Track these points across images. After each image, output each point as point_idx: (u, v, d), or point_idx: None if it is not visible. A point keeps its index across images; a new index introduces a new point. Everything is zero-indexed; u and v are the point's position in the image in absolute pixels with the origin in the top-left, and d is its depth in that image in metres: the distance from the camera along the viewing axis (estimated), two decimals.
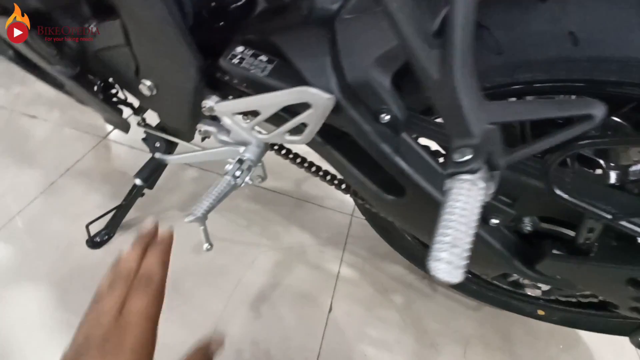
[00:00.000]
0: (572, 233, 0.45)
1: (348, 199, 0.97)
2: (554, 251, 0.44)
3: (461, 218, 0.24)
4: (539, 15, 0.35)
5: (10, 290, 0.71)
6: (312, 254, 0.84)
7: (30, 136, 1.01)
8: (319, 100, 0.38)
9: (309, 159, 0.62)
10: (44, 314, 0.69)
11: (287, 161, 0.61)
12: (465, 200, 0.25)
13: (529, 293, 0.53)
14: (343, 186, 0.61)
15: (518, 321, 0.78)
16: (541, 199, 0.40)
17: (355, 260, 0.84)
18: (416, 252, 0.75)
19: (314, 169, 0.61)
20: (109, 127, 1.06)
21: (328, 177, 0.61)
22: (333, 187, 0.62)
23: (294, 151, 0.62)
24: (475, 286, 0.77)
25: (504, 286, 0.58)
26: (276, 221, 0.89)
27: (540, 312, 0.72)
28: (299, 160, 0.61)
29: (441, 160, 0.45)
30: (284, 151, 0.61)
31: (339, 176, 0.63)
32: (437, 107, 0.28)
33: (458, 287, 0.79)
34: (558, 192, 0.37)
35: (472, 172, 0.26)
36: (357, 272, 0.82)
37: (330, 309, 0.76)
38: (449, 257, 0.22)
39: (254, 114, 0.46)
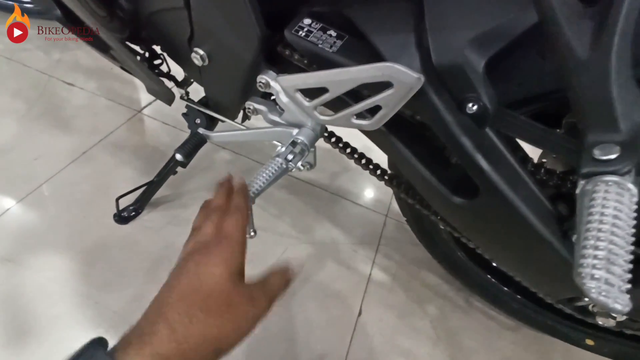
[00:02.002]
0: None
1: (383, 197, 0.93)
2: None
3: (615, 229, 0.19)
4: None
5: (34, 257, 0.69)
6: (344, 252, 0.80)
7: (67, 103, 0.99)
8: (406, 79, 0.33)
9: (359, 150, 0.57)
10: (65, 286, 0.66)
11: (335, 151, 0.57)
12: (617, 206, 0.20)
13: (600, 323, 0.47)
14: (394, 182, 0.56)
15: (559, 347, 0.72)
16: None
17: (388, 264, 0.80)
18: (459, 262, 0.70)
19: (364, 161, 0.57)
20: (145, 101, 1.04)
21: (378, 172, 0.57)
22: (383, 182, 0.57)
23: (344, 140, 0.57)
24: (517, 305, 0.71)
25: (566, 310, 0.52)
26: (309, 214, 0.85)
27: (589, 342, 0.66)
28: (349, 150, 0.57)
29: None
30: (334, 139, 0.57)
31: (389, 171, 0.59)
32: (575, 92, 0.24)
33: (498, 305, 0.73)
34: None
35: (619, 173, 0.21)
36: (389, 277, 0.78)
37: (360, 313, 0.72)
38: (609, 277, 0.17)
39: (319, 92, 0.41)
